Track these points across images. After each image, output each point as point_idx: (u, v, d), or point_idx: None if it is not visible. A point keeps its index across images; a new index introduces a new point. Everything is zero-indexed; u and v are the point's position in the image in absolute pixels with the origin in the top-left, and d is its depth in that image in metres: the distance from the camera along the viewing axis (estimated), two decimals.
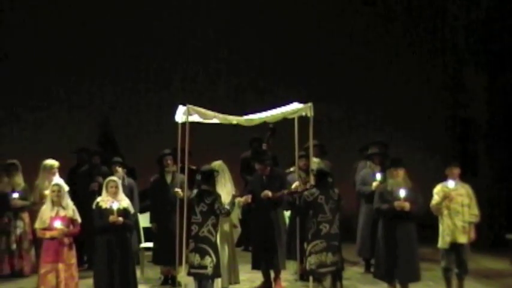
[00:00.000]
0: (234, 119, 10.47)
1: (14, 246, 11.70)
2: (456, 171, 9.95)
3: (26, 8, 14.92)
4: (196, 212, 9.50)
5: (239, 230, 10.87)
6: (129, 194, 10.71)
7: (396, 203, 9.44)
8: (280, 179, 10.77)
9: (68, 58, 14.67)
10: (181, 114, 10.24)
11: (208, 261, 9.40)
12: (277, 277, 10.68)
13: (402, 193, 9.44)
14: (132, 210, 9.83)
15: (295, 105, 10.59)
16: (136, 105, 15.29)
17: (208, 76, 15.38)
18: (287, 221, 11.14)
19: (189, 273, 9.59)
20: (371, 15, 15.37)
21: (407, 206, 9.41)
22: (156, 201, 11.01)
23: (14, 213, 11.72)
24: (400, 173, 9.64)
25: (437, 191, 9.92)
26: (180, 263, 10.29)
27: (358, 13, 15.39)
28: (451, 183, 9.85)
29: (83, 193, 11.33)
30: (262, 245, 10.58)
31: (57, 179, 10.68)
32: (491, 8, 14.60)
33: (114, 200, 9.55)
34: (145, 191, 11.59)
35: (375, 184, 11.00)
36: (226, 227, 10.45)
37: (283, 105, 10.66)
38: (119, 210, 9.47)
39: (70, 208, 9.60)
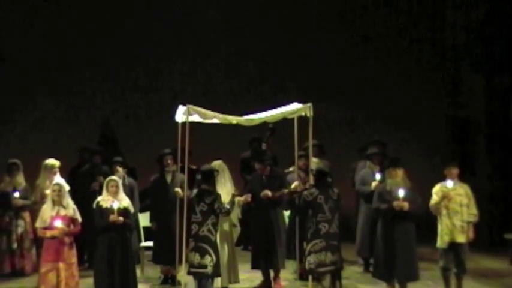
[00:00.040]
0: (234, 119, 10.49)
1: (15, 245, 11.72)
2: (455, 171, 9.96)
3: (26, 8, 14.91)
4: (196, 212, 9.53)
5: (239, 229, 10.89)
6: (130, 194, 10.73)
7: (395, 203, 9.46)
8: (279, 178, 10.80)
9: (68, 58, 14.66)
10: (181, 114, 10.25)
11: (208, 260, 9.43)
12: (276, 276, 10.71)
13: (401, 193, 9.46)
14: (132, 209, 9.85)
15: (295, 105, 10.60)
16: (137, 105, 15.29)
17: (209, 76, 15.38)
18: (286, 220, 11.16)
19: (189, 273, 9.62)
20: (371, 16, 15.38)
21: (406, 205, 9.43)
22: (156, 200, 11.03)
23: (15, 213, 11.74)
24: (399, 172, 9.66)
25: (436, 190, 9.93)
26: (180, 262, 10.31)
27: (358, 13, 15.40)
28: (449, 183, 9.86)
29: (84, 192, 11.33)
30: (262, 244, 10.60)
31: (58, 179, 10.68)
32: (490, 9, 14.62)
33: (114, 199, 9.56)
34: (146, 190, 11.61)
35: (374, 184, 11.02)
36: (226, 226, 10.49)
37: (283, 105, 10.68)
38: (119, 209, 9.49)
39: (70, 207, 9.61)
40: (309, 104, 10.54)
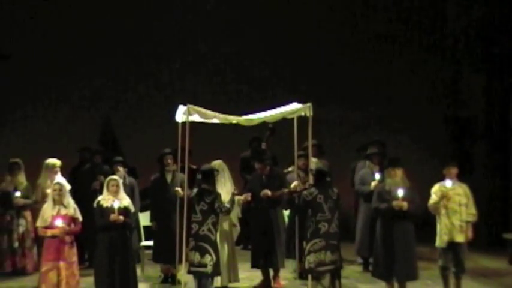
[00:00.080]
0: (234, 119, 10.51)
1: (16, 244, 11.75)
2: (454, 170, 9.97)
3: (26, 8, 14.93)
4: (196, 211, 9.57)
5: (238, 228, 10.92)
6: (130, 193, 10.76)
7: (394, 203, 9.49)
8: (279, 178, 10.82)
9: (69, 58, 14.67)
10: (181, 114, 10.28)
11: (208, 259, 9.47)
12: (276, 275, 10.74)
13: (400, 192, 9.49)
14: (132, 209, 9.87)
15: (295, 105, 10.63)
16: (137, 105, 15.30)
17: (209, 76, 15.40)
18: (286, 220, 11.19)
19: (189, 272, 9.66)
20: (371, 16, 15.40)
21: (405, 205, 9.46)
22: (156, 200, 11.06)
23: (16, 212, 11.78)
24: (398, 172, 9.69)
25: (435, 190, 9.94)
26: (180, 261, 10.34)
27: (358, 13, 15.42)
28: (448, 183, 9.87)
29: (85, 192, 11.36)
30: (262, 243, 10.63)
31: (59, 178, 10.71)
32: (489, 9, 14.64)
33: (115, 198, 9.59)
34: (146, 189, 11.63)
35: (373, 184, 11.05)
36: (226, 225, 10.53)
37: (283, 105, 10.72)
38: (119, 209, 9.51)
39: (71, 207, 9.64)
40: (309, 104, 10.55)
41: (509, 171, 14.35)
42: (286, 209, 11.14)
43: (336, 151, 13.42)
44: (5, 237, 11.78)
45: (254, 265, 10.78)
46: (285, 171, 11.38)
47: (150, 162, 11.54)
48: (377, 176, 11.17)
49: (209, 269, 9.48)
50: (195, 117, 10.29)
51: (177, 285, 10.82)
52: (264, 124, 11.21)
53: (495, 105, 14.70)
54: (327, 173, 10.01)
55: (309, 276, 10.11)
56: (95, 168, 12.10)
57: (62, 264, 9.50)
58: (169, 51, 15.24)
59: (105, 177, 10.14)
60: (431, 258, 11.30)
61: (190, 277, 9.81)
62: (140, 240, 11.60)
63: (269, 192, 10.59)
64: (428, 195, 9.96)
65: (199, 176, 9.94)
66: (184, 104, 10.23)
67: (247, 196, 10.59)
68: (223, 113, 10.46)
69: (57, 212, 9.54)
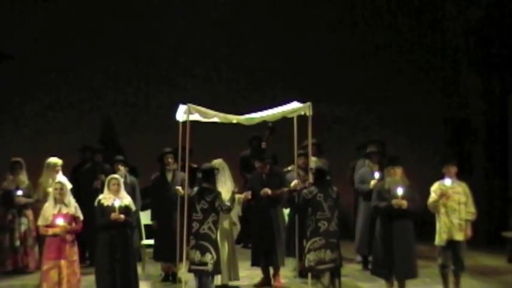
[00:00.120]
0: (234, 118, 10.54)
1: (18, 243, 11.78)
2: (453, 169, 9.99)
3: (26, 8, 14.94)
4: (197, 210, 9.58)
5: (238, 227, 10.96)
6: (131, 192, 10.76)
7: (394, 201, 9.52)
8: (279, 177, 10.86)
9: (70, 57, 14.69)
10: (182, 113, 10.31)
11: (209, 258, 9.49)
12: (276, 274, 10.77)
13: (400, 191, 9.52)
14: (133, 207, 9.88)
15: (295, 105, 10.66)
16: (138, 105, 15.32)
17: (209, 75, 15.41)
18: (286, 218, 11.23)
19: (189, 270, 9.68)
20: (371, 16, 15.43)
21: (404, 203, 9.49)
22: (157, 198, 11.09)
23: (18, 211, 11.82)
24: (398, 171, 9.71)
25: (435, 189, 9.96)
26: (181, 260, 10.37)
27: (358, 13, 15.45)
28: (448, 182, 9.89)
29: (86, 191, 11.40)
30: (262, 242, 10.66)
31: (61, 177, 10.73)
32: (488, 10, 14.66)
33: (116, 197, 9.60)
34: (147, 188, 11.66)
35: (373, 182, 11.09)
36: (226, 224, 10.57)
37: (283, 104, 10.75)
38: (120, 207, 9.53)
39: (72, 205, 9.65)
40: (309, 103, 10.58)
41: (508, 171, 14.38)
42: (286, 208, 11.17)
43: (335, 150, 13.45)
44: (6, 236, 11.82)
45: (254, 263, 10.81)
46: (285, 170, 11.42)
47: (151, 161, 11.56)
48: (376, 174, 11.21)
49: (209, 267, 9.50)
50: (196, 117, 10.32)
51: (177, 283, 10.84)
52: (264, 123, 11.24)
53: (494, 105, 14.73)
54: (326, 171, 10.04)
55: (309, 275, 10.15)
56: (96, 167, 12.14)
57: (63, 262, 9.51)
58: (169, 51, 15.26)
59: (106, 176, 10.16)
60: (430, 257, 11.30)
61: (191, 275, 9.84)
62: (141, 239, 11.63)
63: (269, 191, 10.63)
64: (428, 194, 9.98)
65: (199, 175, 9.97)
66: (185, 103, 10.26)
67: (248, 194, 10.62)
68: (224, 112, 10.49)
69: (59, 211, 9.56)
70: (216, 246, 9.60)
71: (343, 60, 15.09)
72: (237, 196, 10.56)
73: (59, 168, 11.52)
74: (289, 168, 11.43)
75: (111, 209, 9.53)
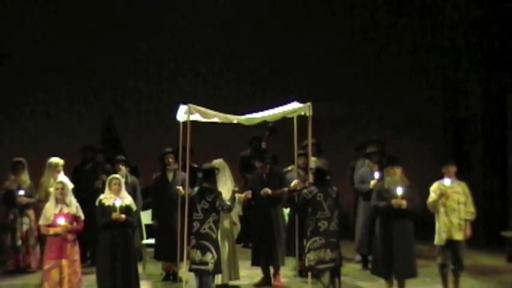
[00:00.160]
0: (234, 118, 10.56)
1: (20, 242, 11.81)
2: (452, 169, 10.01)
3: (27, 8, 14.95)
4: (197, 209, 9.59)
5: (239, 227, 10.99)
6: (132, 192, 10.79)
7: (393, 201, 9.55)
8: (279, 177, 10.88)
9: (70, 57, 14.69)
10: (182, 113, 10.33)
11: (209, 257, 9.51)
12: (276, 273, 10.79)
13: (399, 191, 9.55)
14: (134, 207, 9.91)
15: (295, 105, 10.68)
16: (139, 105, 15.34)
17: (209, 76, 15.41)
18: (286, 218, 11.26)
19: (190, 269, 9.69)
20: (370, 16, 15.45)
21: (404, 203, 9.53)
22: (157, 198, 11.11)
23: (19, 210, 11.85)
24: (397, 171, 9.74)
25: (434, 188, 9.98)
26: (182, 259, 10.39)
27: (358, 14, 15.47)
28: (447, 181, 9.91)
29: (87, 190, 11.42)
30: (262, 241, 10.69)
31: (62, 177, 10.78)
32: (488, 9, 14.68)
33: (117, 197, 9.63)
34: (148, 188, 11.69)
35: (372, 182, 11.12)
36: (226, 223, 10.60)
37: (283, 104, 10.78)
38: (121, 207, 9.55)
39: (73, 205, 9.67)
40: (309, 103, 10.60)
41: (507, 171, 14.40)
42: (286, 208, 11.20)
43: (335, 150, 13.48)
44: (8, 235, 11.85)
45: (254, 263, 10.84)
46: (285, 170, 11.44)
47: (152, 161, 11.60)
48: (376, 174, 11.24)
49: (210, 267, 9.52)
50: (196, 117, 10.33)
51: (178, 282, 10.86)
52: (264, 123, 11.26)
53: (493, 105, 14.74)
54: (326, 171, 10.04)
55: (309, 274, 10.17)
56: (97, 167, 12.17)
57: (64, 262, 9.53)
58: (169, 51, 15.27)
59: (107, 176, 10.17)
60: (430, 256, 11.34)
61: (192, 275, 9.85)
62: (142, 239, 11.65)
63: (269, 191, 10.66)
64: (428, 194, 10.00)
65: (200, 175, 9.99)
66: (185, 103, 10.29)
67: (248, 194, 10.63)
68: (224, 112, 10.52)
69: (60, 211, 9.58)
70: (216, 246, 9.62)
71: (343, 60, 15.10)
72: (237, 195, 10.58)
73: (61, 168, 11.54)
74: (289, 168, 11.45)
75: (112, 208, 9.55)
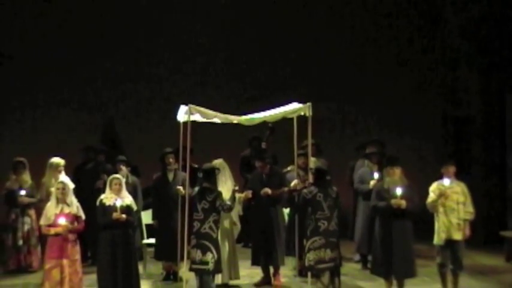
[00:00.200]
0: (234, 119, 10.59)
1: (21, 242, 11.82)
2: (452, 169, 10.03)
3: (28, 9, 14.95)
4: (198, 209, 9.61)
5: (239, 226, 11.02)
6: (133, 192, 10.79)
7: (393, 201, 9.58)
8: (279, 177, 10.91)
9: (70, 58, 14.70)
10: (183, 114, 10.36)
11: (210, 257, 9.53)
12: (276, 273, 10.82)
13: (399, 191, 9.58)
14: (135, 207, 9.93)
15: (295, 105, 10.71)
16: (139, 105, 15.32)
17: (209, 76, 15.43)
18: (286, 218, 11.29)
19: (190, 269, 9.71)
20: (370, 16, 15.46)
21: (403, 203, 9.55)
22: (158, 198, 11.13)
23: (21, 210, 11.86)
24: (397, 171, 9.76)
25: (433, 189, 10.01)
26: (182, 259, 10.42)
27: (357, 14, 15.48)
28: (446, 181, 9.93)
29: (88, 190, 11.44)
30: (262, 241, 10.72)
31: (63, 177, 10.81)
32: (486, 8, 14.69)
33: (117, 197, 9.65)
34: (148, 188, 11.70)
35: (372, 182, 11.15)
36: (226, 223, 10.63)
37: (283, 105, 10.80)
38: (122, 207, 9.57)
39: (74, 205, 9.69)
40: (309, 104, 10.63)
41: (507, 171, 14.42)
42: (286, 207, 11.23)
43: (335, 150, 13.50)
44: (9, 235, 11.87)
45: (254, 263, 10.87)
46: (285, 170, 11.47)
47: (152, 161, 11.62)
48: (376, 175, 11.27)
49: (210, 266, 9.54)
50: (196, 117, 10.36)
51: (178, 282, 10.88)
52: (264, 124, 11.29)
53: (492, 104, 14.76)
54: (326, 171, 10.07)
55: (309, 274, 10.20)
56: (98, 167, 12.20)
57: (65, 261, 9.54)
58: (169, 52, 15.28)
59: (108, 176, 10.18)
60: (429, 256, 11.34)
61: (192, 274, 9.87)
62: (142, 238, 11.65)
63: (269, 191, 10.68)
64: (426, 193, 10.02)
65: (200, 175, 10.02)
66: (186, 104, 10.30)
67: (248, 193, 10.64)
68: (224, 113, 10.55)
69: (61, 211, 9.59)
70: (216, 246, 9.64)
71: (343, 60, 15.11)
72: (237, 195, 10.61)
73: (62, 168, 11.56)
74: (289, 168, 11.47)
75: (112, 208, 9.58)
